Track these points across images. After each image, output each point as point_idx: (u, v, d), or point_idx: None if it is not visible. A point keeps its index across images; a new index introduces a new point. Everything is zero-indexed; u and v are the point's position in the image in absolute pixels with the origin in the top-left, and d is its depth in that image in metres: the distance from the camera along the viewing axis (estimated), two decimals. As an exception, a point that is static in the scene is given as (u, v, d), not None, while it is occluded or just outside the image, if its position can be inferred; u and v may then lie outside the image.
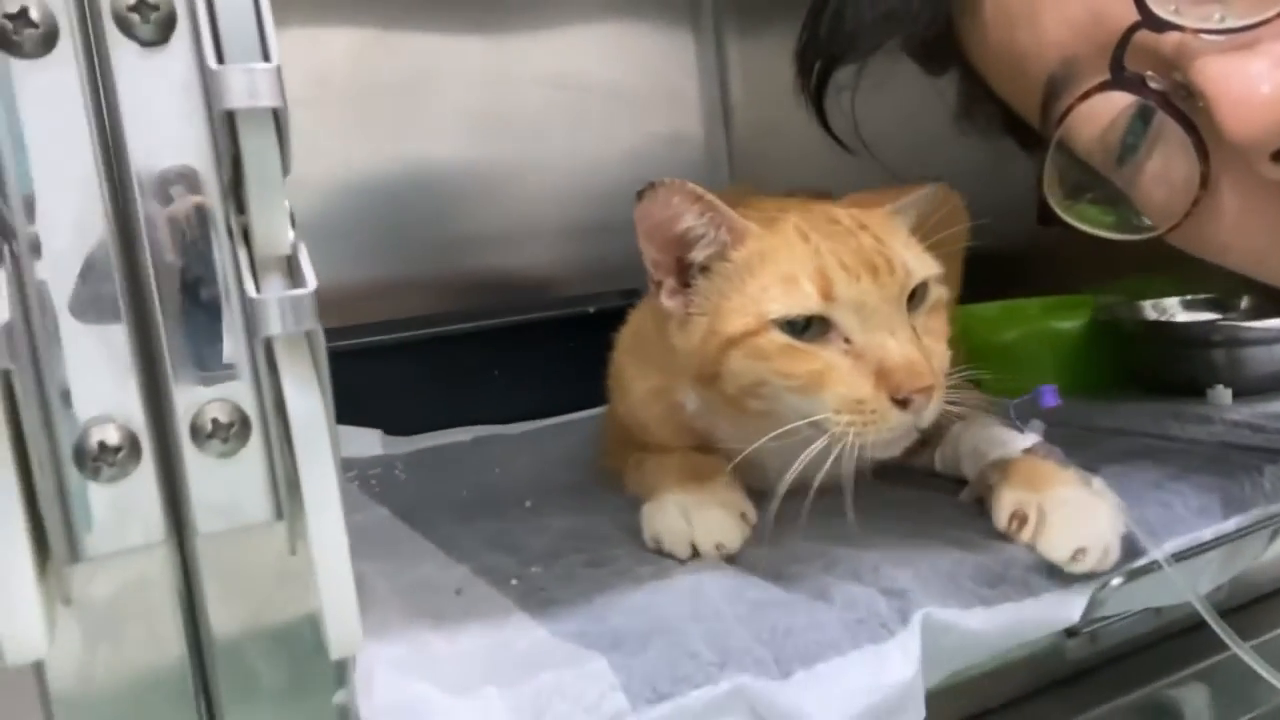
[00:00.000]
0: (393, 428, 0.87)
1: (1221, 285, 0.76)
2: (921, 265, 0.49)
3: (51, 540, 0.26)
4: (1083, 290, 0.82)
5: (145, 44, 0.26)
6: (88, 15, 0.25)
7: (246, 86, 0.25)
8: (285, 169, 0.26)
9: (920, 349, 0.46)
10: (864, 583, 0.42)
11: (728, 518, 0.48)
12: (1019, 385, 0.56)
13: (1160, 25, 0.38)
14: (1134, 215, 0.45)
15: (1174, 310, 0.78)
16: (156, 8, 0.25)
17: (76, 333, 0.26)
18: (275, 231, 0.26)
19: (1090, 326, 0.76)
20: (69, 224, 0.26)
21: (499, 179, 1.05)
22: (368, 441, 0.83)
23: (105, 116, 0.26)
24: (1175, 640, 0.50)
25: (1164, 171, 0.42)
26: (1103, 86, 0.41)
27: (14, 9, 0.24)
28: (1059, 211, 0.45)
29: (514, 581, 0.46)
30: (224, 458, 0.28)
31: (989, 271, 0.76)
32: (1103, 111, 0.42)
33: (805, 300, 0.46)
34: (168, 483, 0.28)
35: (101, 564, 0.27)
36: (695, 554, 0.46)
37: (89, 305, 0.26)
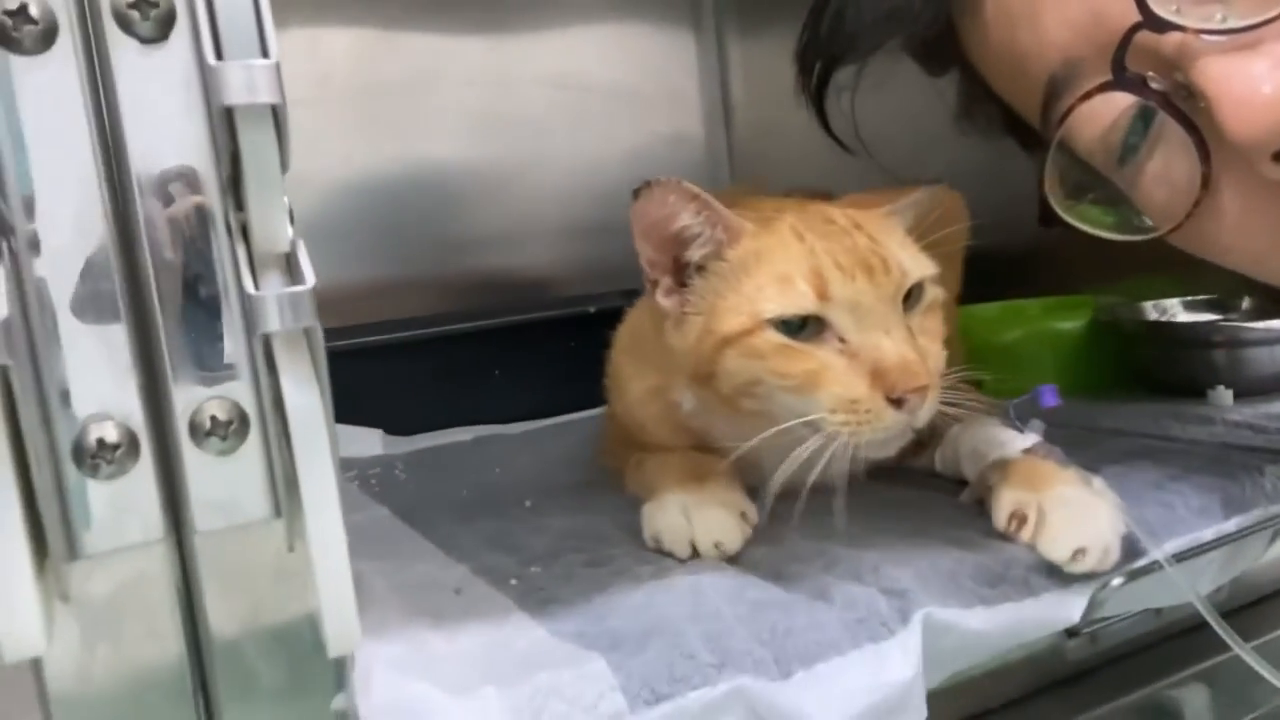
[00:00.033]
0: (393, 427, 0.87)
1: (1223, 286, 0.76)
2: (917, 265, 0.49)
3: (50, 538, 0.26)
4: (1084, 291, 0.82)
5: (145, 41, 0.26)
6: (87, 12, 0.25)
7: (245, 83, 0.25)
8: (284, 166, 0.26)
9: (915, 349, 0.46)
10: (864, 582, 0.42)
11: (728, 517, 0.48)
12: (1020, 386, 0.56)
13: (1161, 26, 0.38)
14: (1135, 216, 0.45)
15: (1175, 311, 0.78)
16: (156, 5, 0.25)
17: (75, 330, 0.26)
18: (274, 228, 0.26)
19: (1091, 327, 0.76)
20: (68, 221, 0.26)
21: (500, 179, 1.05)
22: (368, 441, 0.83)
23: (104, 113, 0.26)
24: (1176, 641, 0.50)
25: (1165, 172, 0.42)
26: (1104, 87, 0.41)
27: (13, 5, 0.24)
28: (1060, 212, 0.45)
29: (513, 581, 0.45)
30: (223, 455, 0.28)
31: (990, 272, 0.76)
32: (1104, 112, 0.42)
33: (800, 300, 0.46)
34: (166, 480, 0.28)
35: (100, 561, 0.27)
36: (695, 553, 0.46)
37: (88, 302, 0.26)
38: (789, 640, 0.38)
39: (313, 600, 0.28)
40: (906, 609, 0.40)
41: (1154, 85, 0.40)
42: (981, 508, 0.49)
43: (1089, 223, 0.45)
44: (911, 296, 0.49)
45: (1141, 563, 0.44)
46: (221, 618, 0.29)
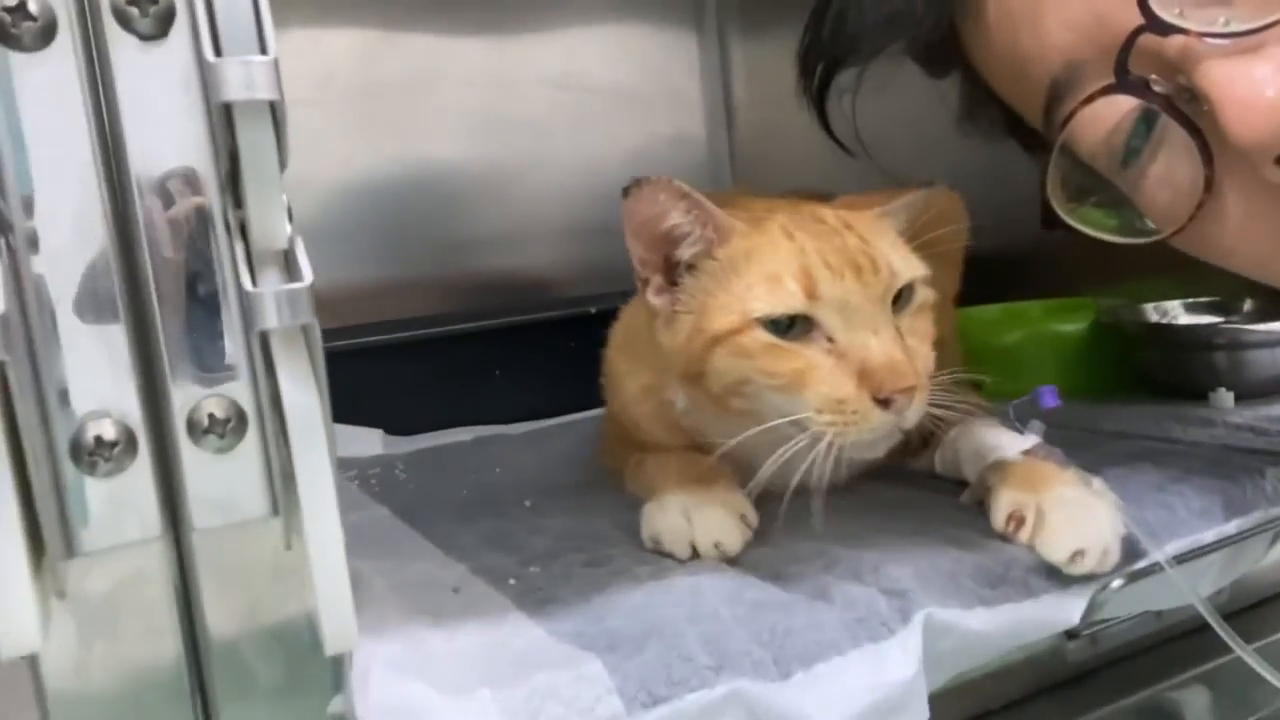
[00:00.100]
0: (393, 427, 0.87)
1: (1224, 288, 0.76)
2: (908, 266, 0.49)
3: (47, 535, 0.26)
4: (1085, 293, 0.82)
5: (144, 38, 0.26)
6: (87, 9, 0.25)
7: (244, 79, 0.25)
8: (283, 163, 0.26)
9: (903, 349, 0.46)
10: (864, 582, 0.42)
11: (728, 519, 0.47)
12: (1021, 388, 0.55)
13: (1164, 29, 0.38)
14: (1138, 219, 0.45)
15: (1176, 313, 0.78)
16: (155, 2, 0.25)
17: (74, 327, 0.26)
18: (272, 225, 0.26)
19: (1092, 329, 0.76)
20: (67, 218, 0.26)
21: (501, 179, 1.05)
22: (368, 441, 0.83)
23: (104, 110, 0.26)
24: (1176, 643, 0.49)
25: (1168, 175, 0.41)
26: (1106, 90, 0.41)
27: (12, 2, 0.24)
28: (1063, 215, 0.45)
29: (512, 581, 0.45)
30: (221, 453, 0.28)
31: (991, 273, 0.76)
32: (1106, 115, 0.42)
33: (789, 299, 0.46)
34: (164, 478, 0.28)
35: (97, 559, 0.27)
36: (695, 554, 0.46)
37: (86, 300, 0.26)
38: (788, 641, 0.38)
39: (310, 598, 0.27)
40: (907, 609, 0.40)
41: (1157, 88, 0.40)
42: (982, 509, 0.49)
43: (1091, 225, 0.45)
44: (902, 297, 0.49)
45: (1142, 564, 0.44)
46: (219, 616, 0.29)
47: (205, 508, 0.28)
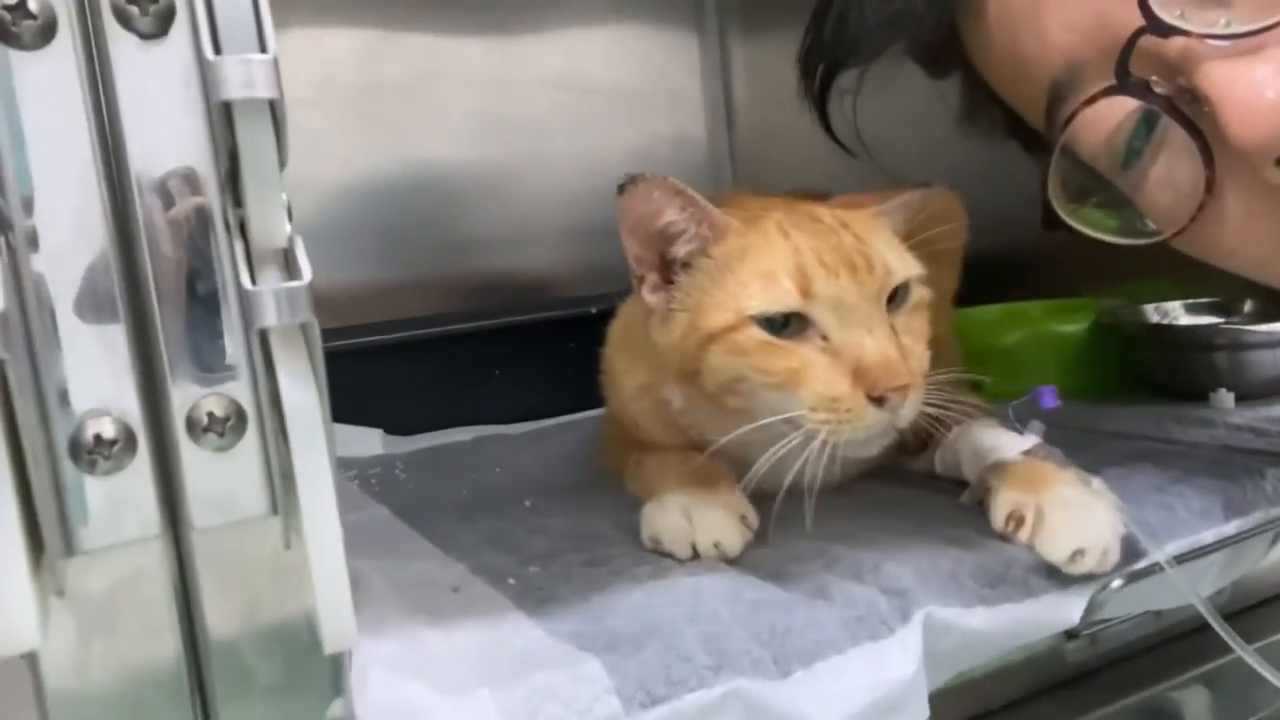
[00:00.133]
0: (393, 427, 0.87)
1: (1225, 289, 0.76)
2: (903, 265, 0.49)
3: (46, 533, 0.26)
4: (1086, 293, 0.82)
5: (144, 37, 0.26)
6: (86, 7, 0.25)
7: (243, 77, 0.25)
8: (282, 161, 0.26)
9: (898, 348, 0.46)
10: (864, 582, 0.42)
11: (729, 519, 0.47)
12: (1021, 388, 0.55)
13: (1165, 30, 0.38)
14: (1139, 220, 0.45)
15: (1177, 314, 0.78)
16: (155, 0, 0.25)
17: (73, 325, 0.26)
18: (272, 224, 0.26)
19: (1093, 330, 0.76)
20: (67, 217, 0.26)
21: (502, 180, 1.05)
22: (369, 441, 0.84)
23: (104, 109, 0.26)
24: (1176, 643, 0.49)
25: (1169, 176, 0.41)
26: (1107, 92, 0.41)
27: (12, 1, 0.24)
28: (1064, 216, 0.45)
29: (511, 580, 0.45)
30: (220, 452, 0.28)
31: (992, 274, 0.76)
32: (1107, 116, 0.42)
33: (784, 297, 0.46)
34: (164, 476, 0.28)
35: (97, 557, 0.27)
36: (695, 554, 0.46)
37: (86, 299, 0.26)
38: (788, 640, 0.38)
39: (309, 597, 0.27)
40: (907, 608, 0.40)
41: (1158, 90, 0.40)
42: (982, 509, 0.49)
43: (1092, 226, 0.45)
44: (897, 296, 0.49)
45: (1142, 564, 0.44)
46: (218, 614, 0.29)
47: (204, 506, 0.28)
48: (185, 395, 0.27)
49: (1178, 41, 0.38)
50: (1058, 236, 0.46)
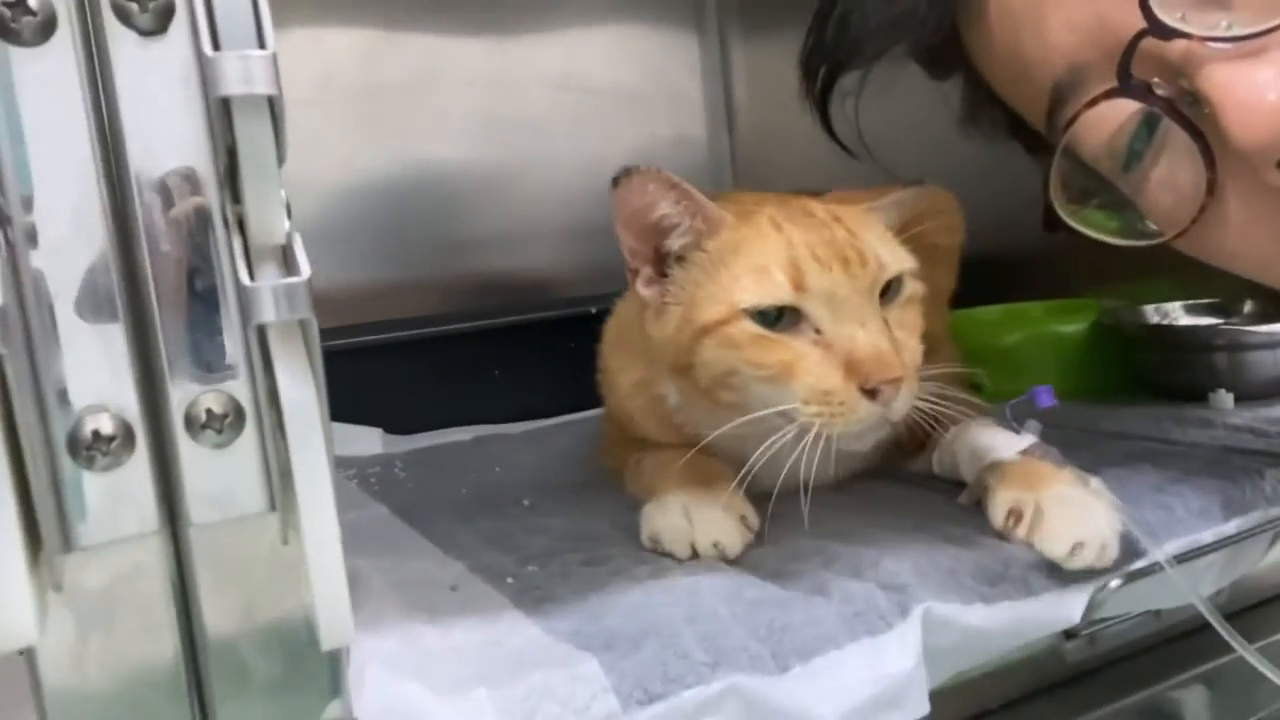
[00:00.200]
0: (393, 426, 0.87)
1: (1224, 290, 0.76)
2: (896, 259, 0.49)
3: (44, 529, 0.26)
4: (1086, 294, 0.82)
5: (143, 33, 0.26)
6: (86, 4, 0.25)
7: (242, 73, 0.25)
8: (281, 158, 0.26)
9: (891, 341, 0.46)
10: (863, 578, 0.42)
11: (728, 519, 0.48)
12: (1021, 389, 0.55)
13: (1167, 33, 0.38)
14: (1140, 221, 0.45)
15: (1176, 314, 0.78)
16: (155, -3, 0.25)
17: (72, 322, 0.26)
18: (270, 220, 0.26)
19: (1093, 330, 0.76)
20: (66, 214, 0.26)
21: (502, 180, 1.05)
22: (368, 440, 0.84)
23: (103, 106, 0.26)
24: (1175, 643, 0.49)
25: (1170, 178, 0.42)
26: (1109, 94, 0.41)
27: (12, -3, 0.24)
28: (1065, 217, 0.45)
29: (510, 579, 0.45)
30: (218, 448, 0.28)
31: (993, 275, 0.76)
32: (1109, 118, 0.42)
33: (776, 290, 0.46)
34: (162, 473, 0.28)
35: (95, 553, 0.27)
36: (694, 554, 0.46)
37: (85, 295, 0.26)
38: (786, 636, 0.38)
39: (307, 594, 0.27)
40: (905, 603, 0.40)
41: (1159, 92, 0.40)
42: (980, 509, 0.49)
43: (1094, 228, 0.45)
44: (890, 290, 0.49)
45: (1141, 564, 0.44)
46: (216, 611, 0.29)
47: (203, 503, 0.28)
48: (184, 391, 0.27)
49: (1179, 44, 0.38)
50: (1058, 237, 0.46)
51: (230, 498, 0.28)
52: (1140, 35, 0.39)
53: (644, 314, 0.52)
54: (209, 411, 0.27)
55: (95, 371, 0.26)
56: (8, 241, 0.25)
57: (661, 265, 0.51)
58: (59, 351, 0.26)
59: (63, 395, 0.26)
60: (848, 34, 0.50)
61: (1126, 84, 0.40)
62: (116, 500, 0.27)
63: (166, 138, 0.26)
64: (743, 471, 0.47)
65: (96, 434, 0.26)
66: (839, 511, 0.50)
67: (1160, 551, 0.44)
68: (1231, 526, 0.49)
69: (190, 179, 0.27)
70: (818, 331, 0.47)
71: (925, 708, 0.38)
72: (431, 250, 1.03)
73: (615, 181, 0.48)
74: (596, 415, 0.71)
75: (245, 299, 0.26)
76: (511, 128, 1.06)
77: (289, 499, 0.27)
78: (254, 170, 0.25)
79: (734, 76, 1.19)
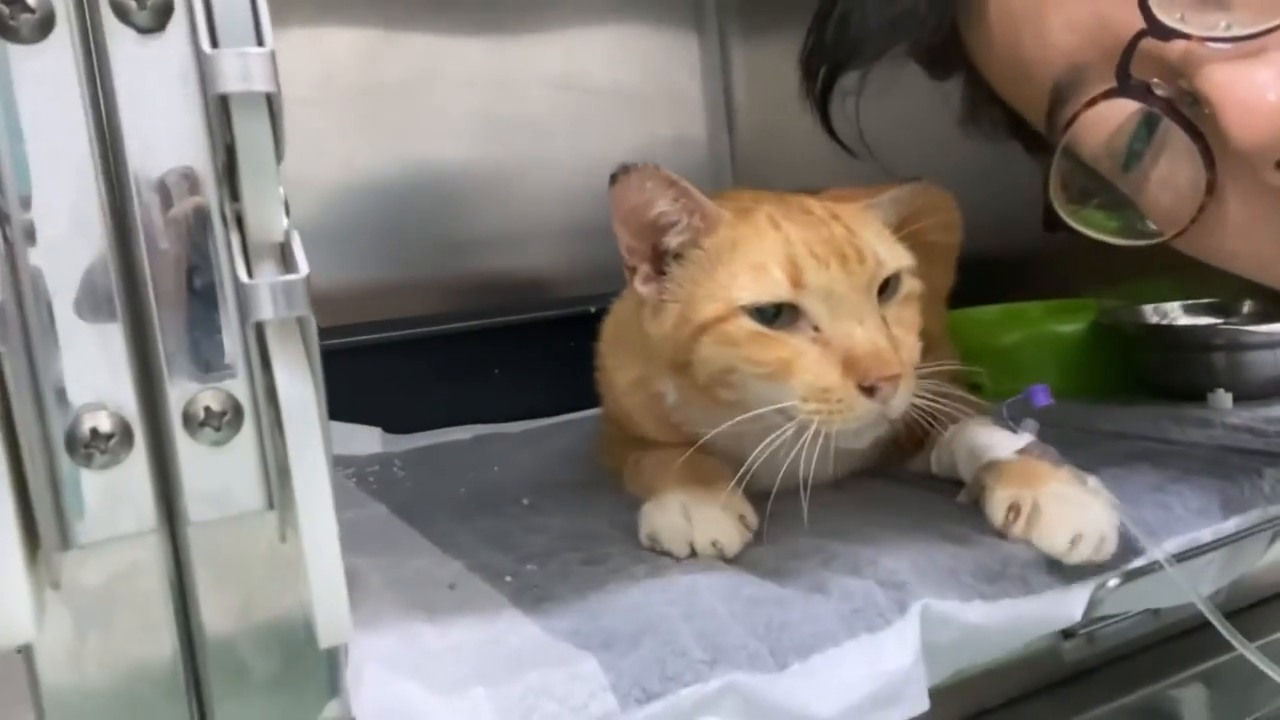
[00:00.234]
0: (392, 425, 0.87)
1: (1224, 289, 0.76)
2: (894, 256, 0.49)
3: (42, 527, 0.26)
4: (1086, 294, 0.82)
5: (142, 31, 0.26)
6: (85, 1, 0.25)
7: (240, 71, 0.25)
8: (279, 155, 0.26)
9: (889, 338, 0.46)
10: (861, 576, 0.42)
11: (727, 519, 0.48)
12: (1020, 388, 0.55)
13: (1166, 33, 0.38)
14: (1140, 221, 0.45)
15: (1175, 314, 0.78)
16: (153, -5, 0.25)
17: (70, 319, 0.26)
18: (268, 218, 0.26)
19: (1092, 330, 0.76)
20: (64, 211, 0.26)
21: (502, 180, 1.06)
22: (367, 439, 0.84)
23: (101, 103, 0.26)
24: (1173, 642, 0.49)
25: (1170, 178, 0.42)
26: (1108, 94, 0.41)
27: (11, -5, 0.24)
28: (1065, 217, 0.45)
29: (508, 578, 0.45)
30: (216, 446, 0.28)
31: (992, 274, 0.76)
32: (1109, 118, 0.42)
33: (774, 287, 0.46)
34: (160, 471, 0.28)
35: (93, 551, 0.27)
36: (693, 553, 0.46)
37: (83, 293, 0.26)
38: (784, 633, 0.38)
39: (305, 592, 0.27)
40: (904, 600, 0.40)
41: (1159, 92, 0.40)
42: (979, 508, 0.49)
43: (1094, 228, 0.45)
44: (888, 287, 0.49)
45: (1140, 562, 0.44)
46: (214, 610, 0.29)
47: (201, 501, 0.28)
48: (182, 389, 0.27)
49: (1179, 44, 0.38)
50: (1058, 237, 0.46)
51: (228, 496, 0.28)
52: (1139, 36, 0.39)
53: (642, 311, 0.52)
54: (207, 409, 0.27)
55: (93, 369, 0.26)
56: (6, 239, 0.25)
57: (659, 263, 0.51)
58: (57, 349, 0.26)
59: (61, 393, 0.26)
60: (848, 34, 0.50)
61: (1126, 84, 0.40)
62: (114, 498, 0.27)
63: (165, 135, 0.26)
64: (741, 470, 0.47)
65: (95, 432, 0.26)
66: (838, 510, 0.50)
67: (1159, 550, 0.44)
68: (1230, 525, 0.49)
69: (189, 177, 0.27)
70: (816, 329, 0.47)
71: (924, 704, 0.38)
72: (431, 249, 1.03)
73: (613, 179, 0.48)
74: (595, 414, 0.71)
75: (243, 296, 0.26)
76: (511, 127, 1.06)
77: (287, 497, 0.27)
78: (252, 168, 0.26)
79: (733, 76, 1.19)
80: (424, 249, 1.02)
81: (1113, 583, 0.43)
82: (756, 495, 0.49)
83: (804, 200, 0.52)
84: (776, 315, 0.47)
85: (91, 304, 0.26)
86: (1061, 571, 0.43)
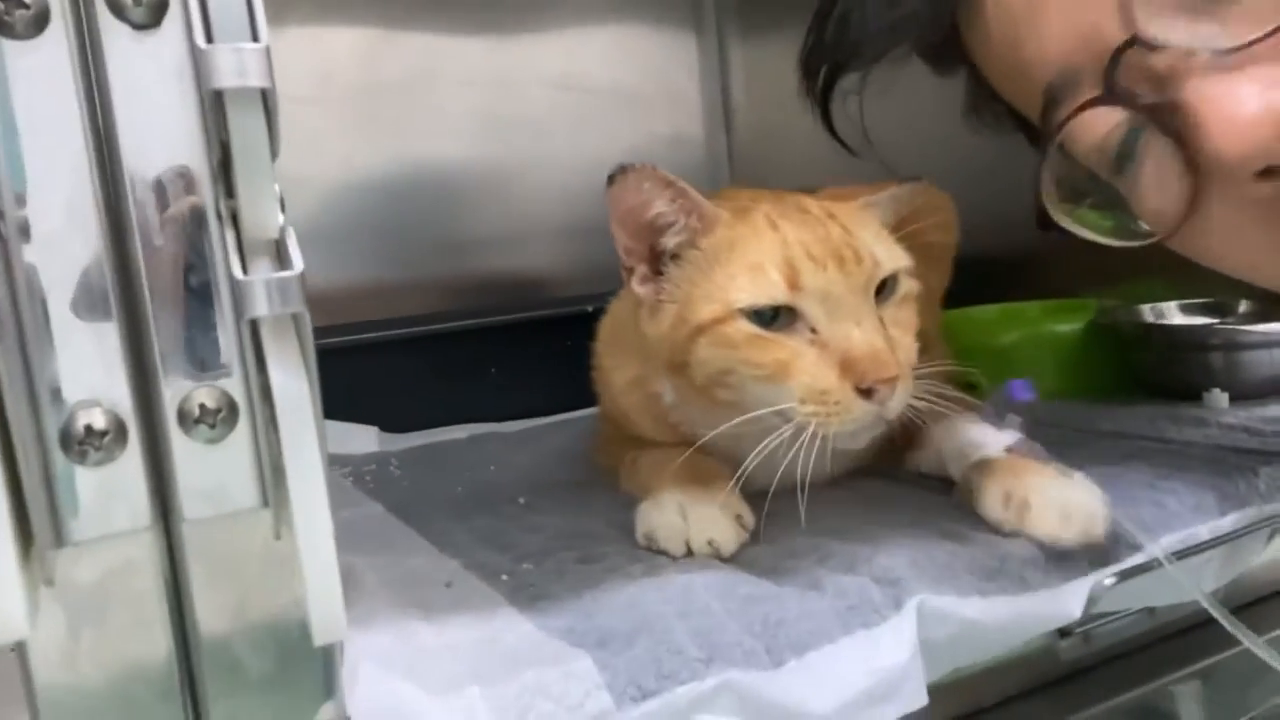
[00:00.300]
0: (389, 425, 0.87)
1: (1221, 289, 0.76)
2: (891, 257, 0.49)
3: (35, 524, 0.26)
4: (1084, 293, 0.82)
5: (137, 27, 0.26)
6: (80, -3, 0.25)
7: (235, 66, 0.25)
8: (274, 151, 0.26)
9: (886, 339, 0.46)
10: (858, 573, 0.42)
11: (724, 518, 0.48)
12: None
13: (1150, 45, 0.38)
14: (1133, 221, 0.45)
15: (1172, 314, 0.78)
16: (149, -10, 0.25)
17: (65, 316, 0.26)
18: (263, 214, 0.26)
19: (1089, 329, 0.76)
20: (59, 207, 0.26)
21: (501, 179, 1.06)
22: (364, 438, 0.83)
23: (96, 99, 0.26)
24: (1169, 641, 0.49)
25: (1158, 182, 0.42)
26: (1095, 102, 0.41)
27: (5, -10, 0.24)
28: (1056, 217, 0.45)
29: (504, 577, 0.45)
30: (211, 444, 0.27)
31: (991, 274, 0.76)
32: (1099, 123, 0.42)
33: (771, 290, 0.46)
34: (155, 468, 0.28)
35: (87, 548, 0.27)
36: (689, 552, 0.46)
37: (78, 290, 0.26)
38: (780, 630, 0.38)
39: (299, 590, 0.27)
40: (900, 596, 0.40)
41: (1145, 100, 0.40)
42: (969, 507, 0.49)
43: (1087, 227, 0.46)
44: (886, 288, 0.49)
45: (1139, 559, 0.44)
46: (208, 608, 0.29)
47: (195, 498, 0.28)
48: (177, 386, 0.27)
49: (1165, 54, 0.38)
50: (1056, 237, 0.46)
51: (223, 493, 0.28)
52: (1125, 46, 0.39)
53: (639, 312, 0.52)
54: (202, 406, 0.27)
55: (88, 366, 0.26)
56: (0, 236, 0.25)
57: (657, 263, 0.51)
58: (52, 346, 0.26)
59: (55, 390, 0.26)
60: (848, 35, 0.50)
61: (1112, 92, 0.40)
62: (109, 495, 0.27)
63: (160, 132, 0.26)
64: (739, 472, 0.47)
65: (89, 429, 0.26)
66: (835, 508, 0.50)
67: (1157, 547, 0.44)
68: (1227, 522, 0.49)
69: (184, 173, 0.27)
70: (813, 331, 0.47)
71: (923, 699, 0.38)
72: (429, 248, 1.03)
73: (610, 179, 0.48)
74: (592, 414, 0.71)
75: (238, 293, 0.26)
76: (510, 127, 1.06)
77: (282, 494, 0.27)
78: (247, 164, 0.25)
79: (731, 76, 1.19)
80: (422, 248, 1.02)
81: (1110, 580, 0.43)
82: (754, 494, 0.49)
83: (801, 199, 0.52)
84: (774, 317, 0.47)
85: (86, 301, 0.26)
86: (1059, 569, 0.43)
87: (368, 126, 1.00)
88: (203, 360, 0.27)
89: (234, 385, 0.27)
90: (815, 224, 0.49)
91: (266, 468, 0.28)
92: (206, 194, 0.27)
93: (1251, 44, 0.36)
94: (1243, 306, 0.75)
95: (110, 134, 0.26)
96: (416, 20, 1.02)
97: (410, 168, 1.02)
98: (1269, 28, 0.36)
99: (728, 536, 0.47)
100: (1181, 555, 0.45)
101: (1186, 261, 0.45)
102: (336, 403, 0.77)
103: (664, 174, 0.48)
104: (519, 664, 0.36)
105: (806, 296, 0.46)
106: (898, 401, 0.46)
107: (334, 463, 0.72)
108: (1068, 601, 0.43)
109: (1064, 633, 0.45)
